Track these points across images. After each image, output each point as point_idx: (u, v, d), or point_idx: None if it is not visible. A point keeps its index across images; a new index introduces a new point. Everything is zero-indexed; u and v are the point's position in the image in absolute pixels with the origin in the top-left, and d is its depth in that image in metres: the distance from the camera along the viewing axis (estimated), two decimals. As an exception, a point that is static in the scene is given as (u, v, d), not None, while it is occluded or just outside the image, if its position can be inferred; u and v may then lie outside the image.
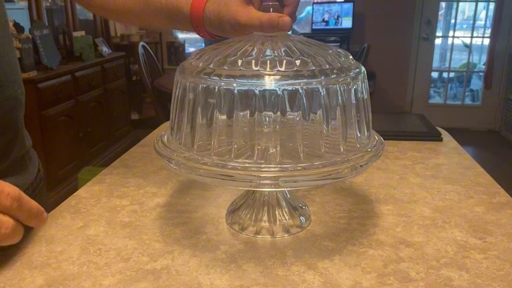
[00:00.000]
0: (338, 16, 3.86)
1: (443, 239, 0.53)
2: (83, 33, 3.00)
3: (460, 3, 3.96)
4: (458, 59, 4.14)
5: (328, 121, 0.47)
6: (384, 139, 0.54)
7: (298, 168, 0.45)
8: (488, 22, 3.92)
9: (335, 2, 3.86)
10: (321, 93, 0.45)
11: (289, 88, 0.44)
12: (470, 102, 4.13)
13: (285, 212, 0.57)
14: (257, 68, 0.45)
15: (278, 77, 0.44)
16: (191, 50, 4.49)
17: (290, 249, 0.51)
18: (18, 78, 0.58)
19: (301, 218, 0.57)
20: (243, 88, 0.45)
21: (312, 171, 0.45)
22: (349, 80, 0.47)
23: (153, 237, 0.54)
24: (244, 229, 0.55)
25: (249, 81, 0.44)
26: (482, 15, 4.00)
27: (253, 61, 0.46)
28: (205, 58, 0.49)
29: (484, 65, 3.94)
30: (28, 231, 0.53)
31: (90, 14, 3.35)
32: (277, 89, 0.44)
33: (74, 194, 0.66)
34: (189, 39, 4.52)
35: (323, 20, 3.91)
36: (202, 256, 0.49)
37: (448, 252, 0.50)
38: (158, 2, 0.60)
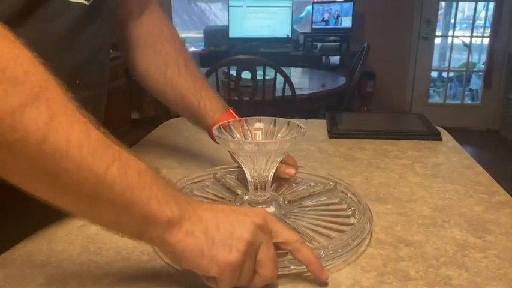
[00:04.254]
0: (338, 15, 3.86)
1: (442, 238, 0.53)
2: (82, 32, 2.99)
3: (460, 3, 3.95)
4: (458, 59, 4.14)
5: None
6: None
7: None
8: (487, 21, 3.92)
9: (335, 2, 3.86)
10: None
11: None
12: (469, 102, 4.13)
13: (285, 211, 0.57)
14: None
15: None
16: (192, 49, 4.48)
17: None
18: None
19: (301, 217, 0.58)
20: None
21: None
22: None
23: (153, 236, 0.54)
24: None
25: None
26: (482, 14, 4.00)
27: None
28: None
29: (483, 64, 3.94)
30: (28, 230, 0.53)
31: (90, 13, 3.34)
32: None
33: (74, 193, 0.66)
34: (189, 38, 4.52)
35: (323, 20, 3.91)
36: (203, 255, 0.49)
37: (448, 251, 0.50)
38: (191, 103, 0.68)
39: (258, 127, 0.57)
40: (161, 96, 0.72)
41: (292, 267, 0.45)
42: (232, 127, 0.56)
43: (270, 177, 0.54)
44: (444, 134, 0.94)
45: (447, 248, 0.51)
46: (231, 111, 0.68)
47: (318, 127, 1.00)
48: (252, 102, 2.03)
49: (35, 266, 0.47)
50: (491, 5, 3.78)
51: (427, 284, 0.44)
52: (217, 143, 0.56)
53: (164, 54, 0.70)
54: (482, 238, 0.53)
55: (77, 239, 0.53)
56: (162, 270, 0.47)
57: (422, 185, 0.69)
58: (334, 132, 0.94)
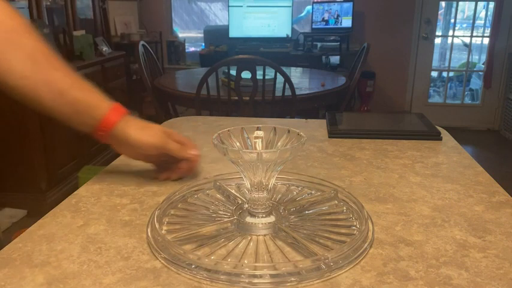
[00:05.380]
0: (338, 15, 3.86)
1: (442, 237, 0.53)
2: (83, 32, 3.00)
3: (460, 3, 3.96)
4: (458, 59, 4.15)
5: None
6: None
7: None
8: (487, 21, 3.92)
9: (335, 2, 3.86)
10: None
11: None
12: (469, 102, 4.13)
13: (285, 211, 0.57)
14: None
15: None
16: (191, 49, 4.49)
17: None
18: None
19: (301, 217, 0.58)
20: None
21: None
22: None
23: (153, 236, 0.54)
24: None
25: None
26: (482, 14, 4.00)
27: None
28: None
29: (483, 64, 3.94)
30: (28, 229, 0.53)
31: (91, 12, 3.34)
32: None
33: (75, 192, 0.66)
34: (189, 38, 4.52)
35: (323, 20, 3.91)
36: (202, 255, 0.49)
37: (448, 251, 0.50)
38: (73, 98, 0.62)
39: (258, 135, 0.57)
40: (31, 97, 0.61)
41: (292, 278, 0.45)
42: (232, 135, 0.56)
43: (270, 186, 0.54)
44: (444, 133, 0.94)
45: (447, 247, 0.51)
46: (119, 105, 0.67)
47: (318, 127, 1.00)
48: (252, 102, 2.03)
49: (35, 265, 0.47)
50: (491, 5, 3.78)
51: (427, 284, 0.44)
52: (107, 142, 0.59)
53: (28, 48, 0.61)
54: (482, 238, 0.53)
55: (77, 239, 0.53)
56: (162, 270, 0.47)
57: (422, 184, 0.69)
58: (334, 132, 0.94)
